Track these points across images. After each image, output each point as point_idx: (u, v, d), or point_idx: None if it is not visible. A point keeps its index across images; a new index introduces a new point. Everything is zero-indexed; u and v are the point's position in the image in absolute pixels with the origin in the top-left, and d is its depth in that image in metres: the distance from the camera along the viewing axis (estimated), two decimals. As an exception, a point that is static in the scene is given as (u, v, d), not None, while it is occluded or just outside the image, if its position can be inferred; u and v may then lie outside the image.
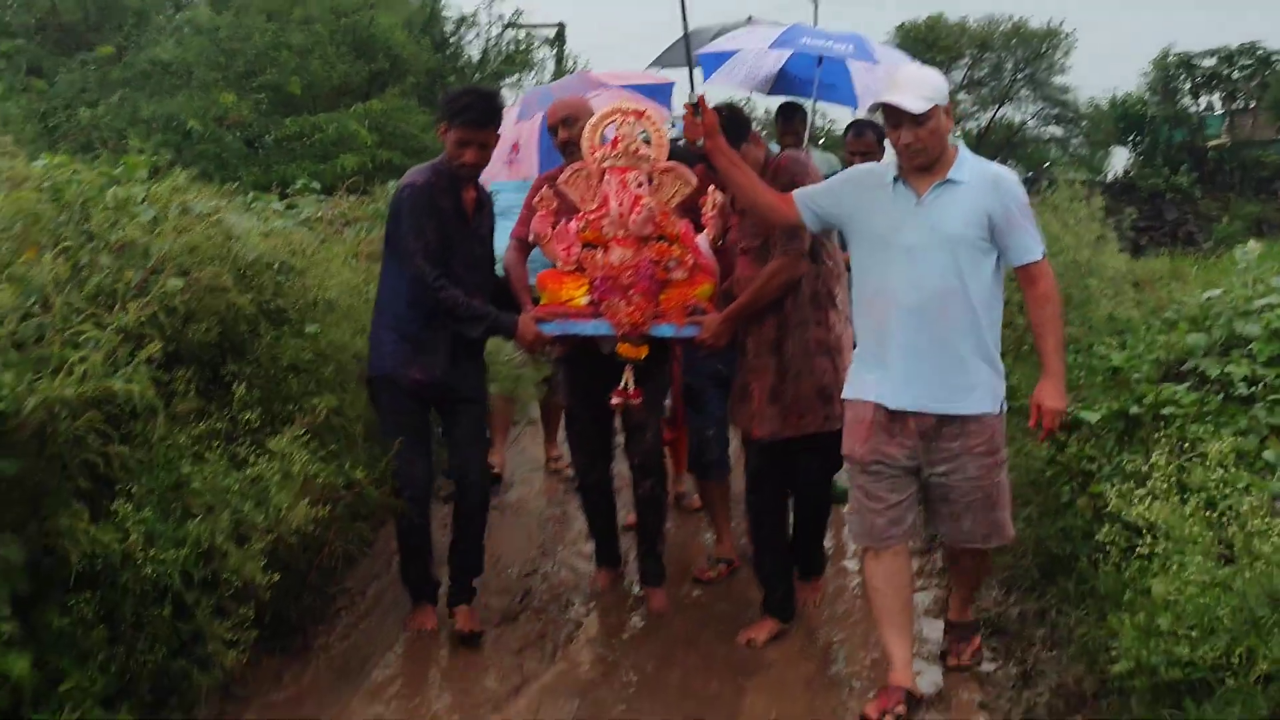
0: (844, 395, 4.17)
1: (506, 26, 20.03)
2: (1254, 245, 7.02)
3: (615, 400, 4.63)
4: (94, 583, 3.57)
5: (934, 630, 4.74)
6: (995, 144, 35.25)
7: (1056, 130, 37.85)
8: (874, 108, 4.15)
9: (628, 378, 4.60)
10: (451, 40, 18.42)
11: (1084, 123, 36.76)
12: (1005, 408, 4.04)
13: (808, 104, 7.63)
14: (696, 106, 4.16)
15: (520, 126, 6.70)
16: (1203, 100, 33.37)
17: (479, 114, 4.52)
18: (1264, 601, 3.14)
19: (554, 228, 4.73)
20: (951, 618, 4.44)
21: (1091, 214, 10.26)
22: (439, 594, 4.90)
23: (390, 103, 14.46)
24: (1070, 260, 8.63)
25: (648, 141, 4.72)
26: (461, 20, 18.36)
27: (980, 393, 3.93)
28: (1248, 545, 3.19)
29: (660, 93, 7.14)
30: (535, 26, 21.46)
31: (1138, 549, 3.66)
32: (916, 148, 3.86)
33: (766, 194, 4.23)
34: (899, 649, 4.04)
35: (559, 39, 22.77)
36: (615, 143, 4.64)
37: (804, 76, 7.60)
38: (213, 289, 4.24)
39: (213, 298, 4.27)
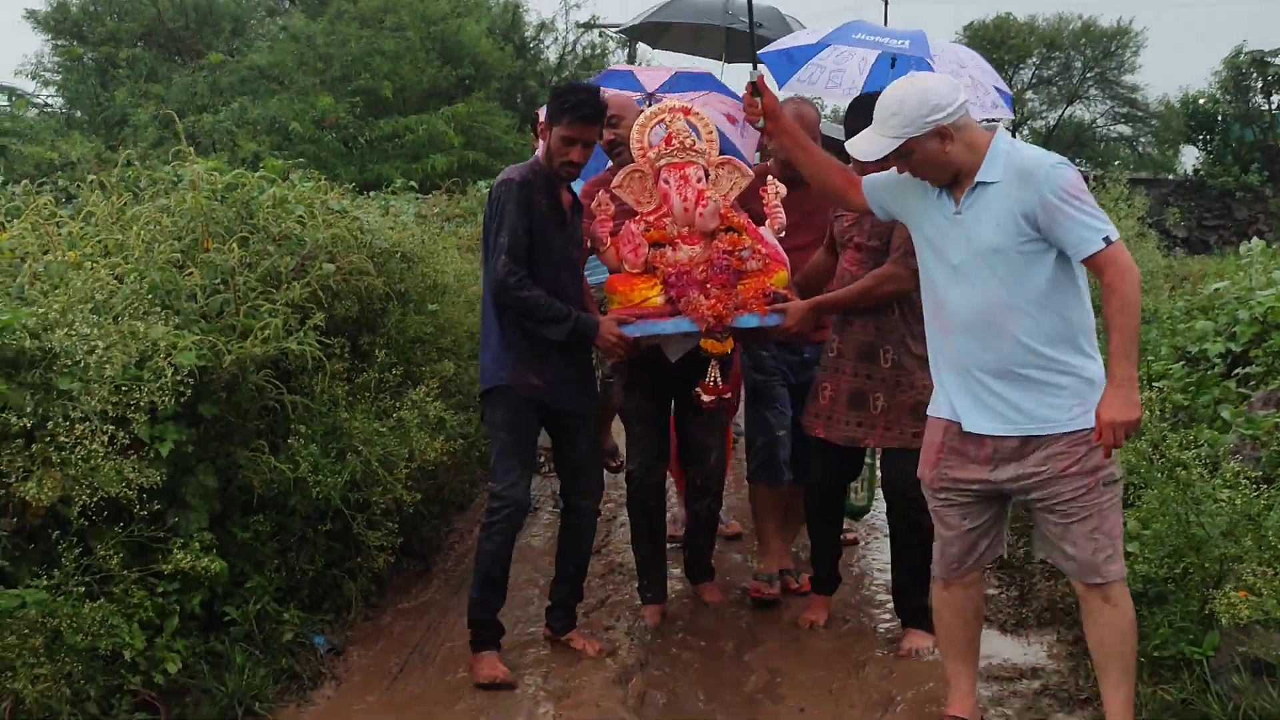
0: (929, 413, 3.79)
1: (582, 29, 20.93)
2: (1257, 242, 7.71)
3: (707, 397, 4.43)
4: (268, 505, 4.52)
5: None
6: (1064, 142, 35.40)
7: (1125, 129, 37.96)
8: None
9: (714, 374, 4.42)
10: (531, 45, 19.37)
11: (1153, 121, 36.83)
12: None
13: None
14: (756, 87, 4.05)
15: None
16: (1274, 99, 33.40)
17: (589, 111, 4.32)
18: (1198, 526, 3.94)
19: (612, 234, 4.58)
20: None
21: (1133, 212, 11.00)
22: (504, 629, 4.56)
23: (475, 106, 15.43)
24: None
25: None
26: (541, 26, 19.31)
27: (1063, 408, 3.42)
28: (1188, 483, 3.98)
29: (704, 82, 6.86)
30: (609, 28, 22.35)
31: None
32: (921, 176, 3.56)
33: (836, 176, 3.95)
34: (962, 680, 3.77)
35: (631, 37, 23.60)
36: (669, 140, 4.54)
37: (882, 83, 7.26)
38: (356, 272, 5.17)
39: (355, 280, 5.20)
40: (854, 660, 4.47)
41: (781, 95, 7.21)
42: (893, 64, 6.40)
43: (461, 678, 4.30)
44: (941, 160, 3.45)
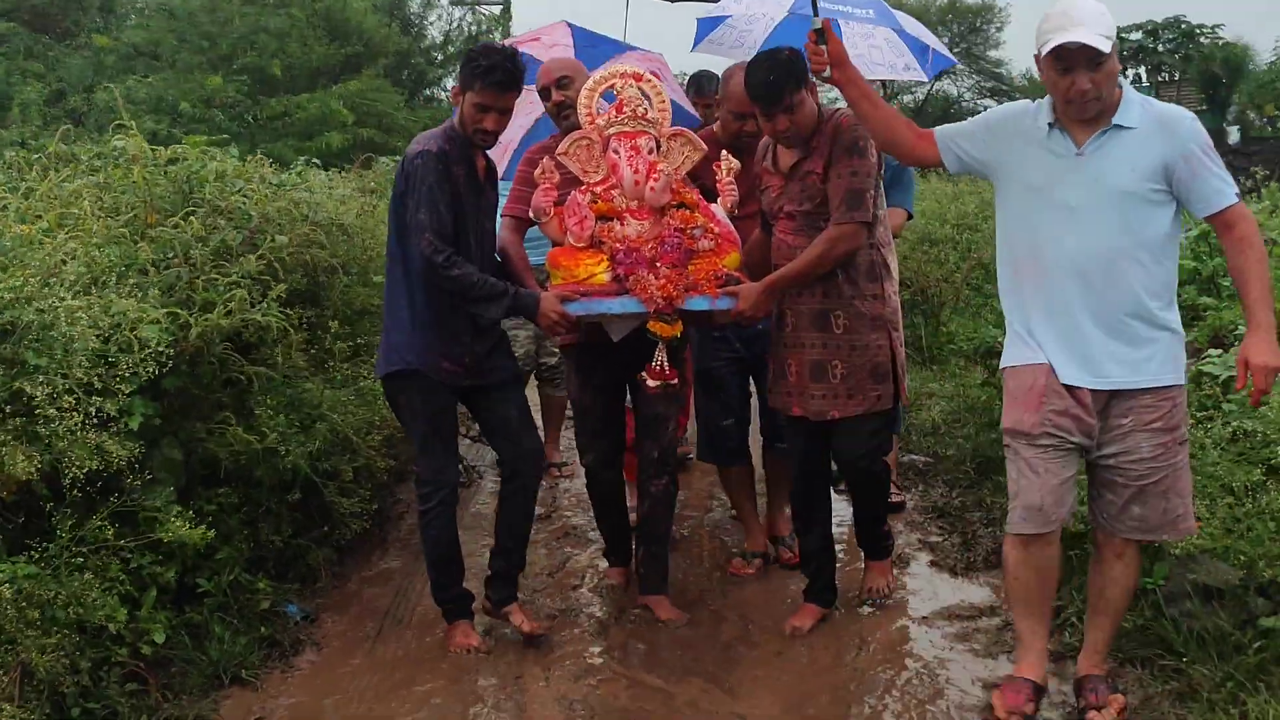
0: (1004, 363, 3.72)
1: (454, 3, 20.80)
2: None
3: (652, 382, 4.23)
4: (232, 478, 4.52)
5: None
6: (933, 116, 36.39)
7: (992, 102, 39.03)
8: (1048, 50, 3.35)
9: (661, 358, 4.21)
10: (415, 23, 19.23)
11: (1017, 95, 38.01)
12: (1185, 377, 3.57)
13: None
14: (820, 34, 3.78)
15: None
16: (1130, 73, 34.66)
17: (503, 76, 4.07)
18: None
19: (557, 204, 4.35)
20: (1087, 671, 3.69)
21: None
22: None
23: (366, 83, 15.28)
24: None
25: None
26: (426, 3, 19.18)
27: (1158, 361, 3.43)
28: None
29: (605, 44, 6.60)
30: (482, 3, 22.22)
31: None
32: (1094, 95, 3.32)
33: (904, 129, 3.78)
34: (1035, 640, 3.67)
35: (505, 16, 23.56)
36: (620, 107, 4.33)
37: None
38: (306, 244, 5.17)
39: (303, 252, 5.20)
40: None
41: (698, 56, 6.87)
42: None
43: (439, 637, 4.37)
44: (1115, 78, 3.36)
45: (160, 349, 3.87)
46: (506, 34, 23.43)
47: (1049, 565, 3.63)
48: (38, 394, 3.52)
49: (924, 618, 4.44)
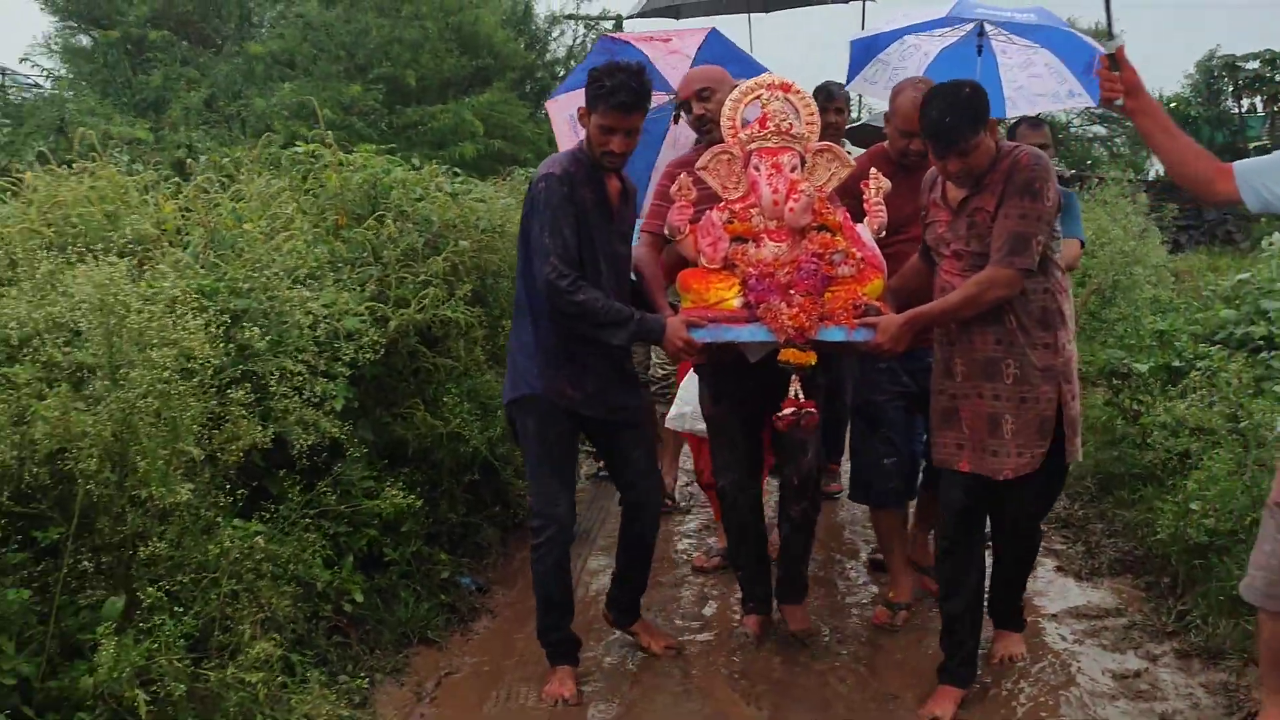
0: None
1: (566, 19, 21.24)
2: (1278, 237, 8.28)
3: (788, 412, 3.94)
4: (413, 460, 4.97)
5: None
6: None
7: (1100, 129, 38.68)
8: None
9: (796, 387, 3.95)
10: (542, 38, 19.78)
11: (1127, 122, 37.56)
12: None
13: None
14: (1114, 59, 3.45)
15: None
16: (1245, 102, 34.16)
17: (627, 97, 3.92)
18: (1267, 477, 4.46)
19: (693, 221, 4.19)
20: None
21: (1136, 209, 11.58)
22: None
23: (496, 95, 15.81)
24: (1118, 250, 9.94)
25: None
26: (552, 18, 19.72)
27: None
28: (1256, 434, 4.52)
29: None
30: (596, 20, 22.64)
31: (1174, 448, 5.02)
32: None
33: (1202, 163, 3.43)
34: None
35: (617, 29, 23.96)
36: (763, 121, 4.15)
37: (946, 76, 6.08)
38: (481, 249, 5.62)
39: (478, 256, 5.65)
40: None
41: (853, 90, 6.74)
42: (979, 52, 6.08)
43: (598, 613, 4.70)
44: None
45: (375, 338, 4.33)
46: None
47: None
48: (269, 374, 3.98)
49: (1053, 615, 4.75)
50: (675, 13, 11.62)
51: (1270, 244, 8.41)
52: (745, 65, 6.49)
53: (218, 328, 3.66)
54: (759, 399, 4.27)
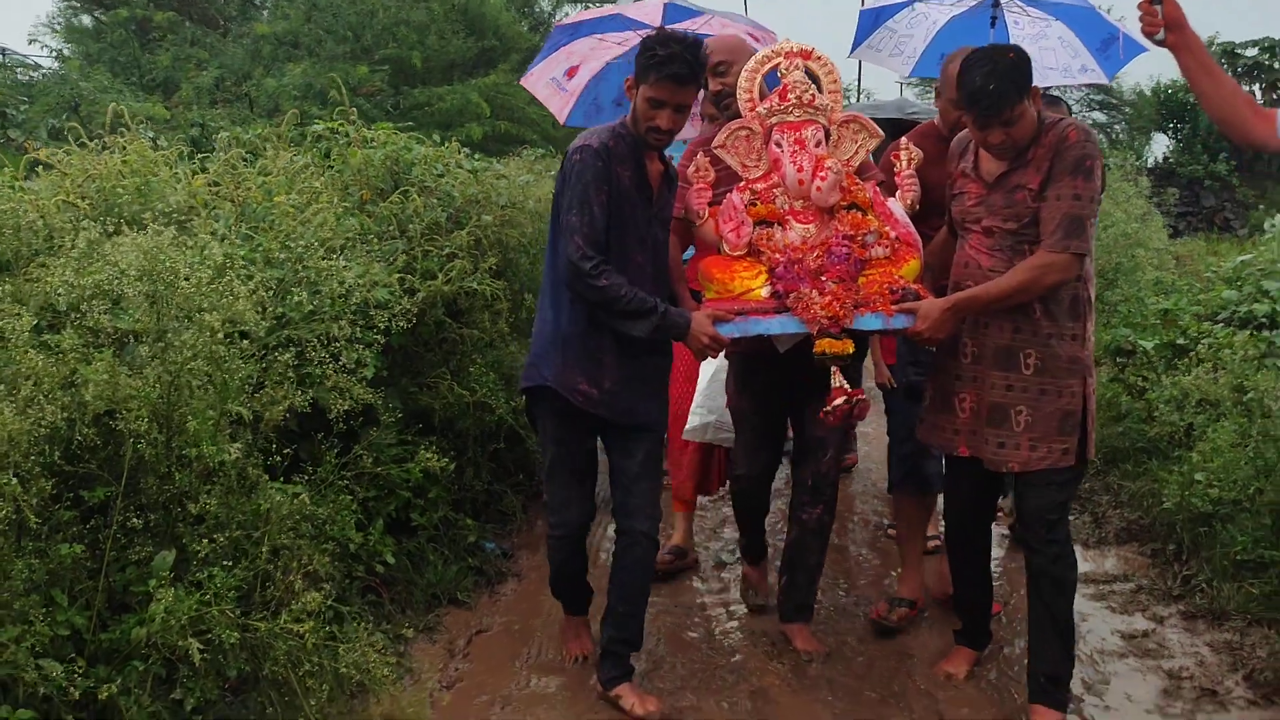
0: None
1: (571, 0, 21.32)
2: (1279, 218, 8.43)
3: (839, 402, 3.65)
4: (440, 428, 5.10)
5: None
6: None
7: (1100, 116, 38.80)
8: None
9: (839, 378, 3.68)
10: (547, 19, 19.90)
11: (1127, 109, 37.69)
12: None
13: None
14: None
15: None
16: (1245, 89, 34.24)
17: (682, 68, 3.58)
18: (1271, 448, 4.61)
19: (713, 204, 3.94)
20: None
21: (1139, 192, 11.71)
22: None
23: (502, 77, 15.93)
24: (1120, 232, 10.08)
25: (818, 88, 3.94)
26: (556, 2, 19.83)
27: None
28: (1261, 404, 4.67)
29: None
30: (600, 2, 22.73)
31: (1179, 422, 5.17)
32: None
33: (1244, 107, 3.21)
34: None
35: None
36: (784, 93, 3.87)
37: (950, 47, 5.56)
38: (503, 224, 5.74)
39: (500, 231, 5.77)
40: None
41: (854, 60, 6.70)
42: (992, 23, 5.90)
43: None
44: None
45: (407, 307, 4.45)
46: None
47: None
48: (310, 340, 4.11)
49: (1062, 581, 4.87)
50: None
51: (1272, 225, 8.56)
52: (690, 13, 6.54)
53: (265, 292, 3.78)
54: (787, 390, 4.13)
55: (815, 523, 4.24)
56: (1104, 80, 6.12)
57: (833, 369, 3.67)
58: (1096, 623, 4.46)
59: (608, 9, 7.15)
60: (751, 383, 4.23)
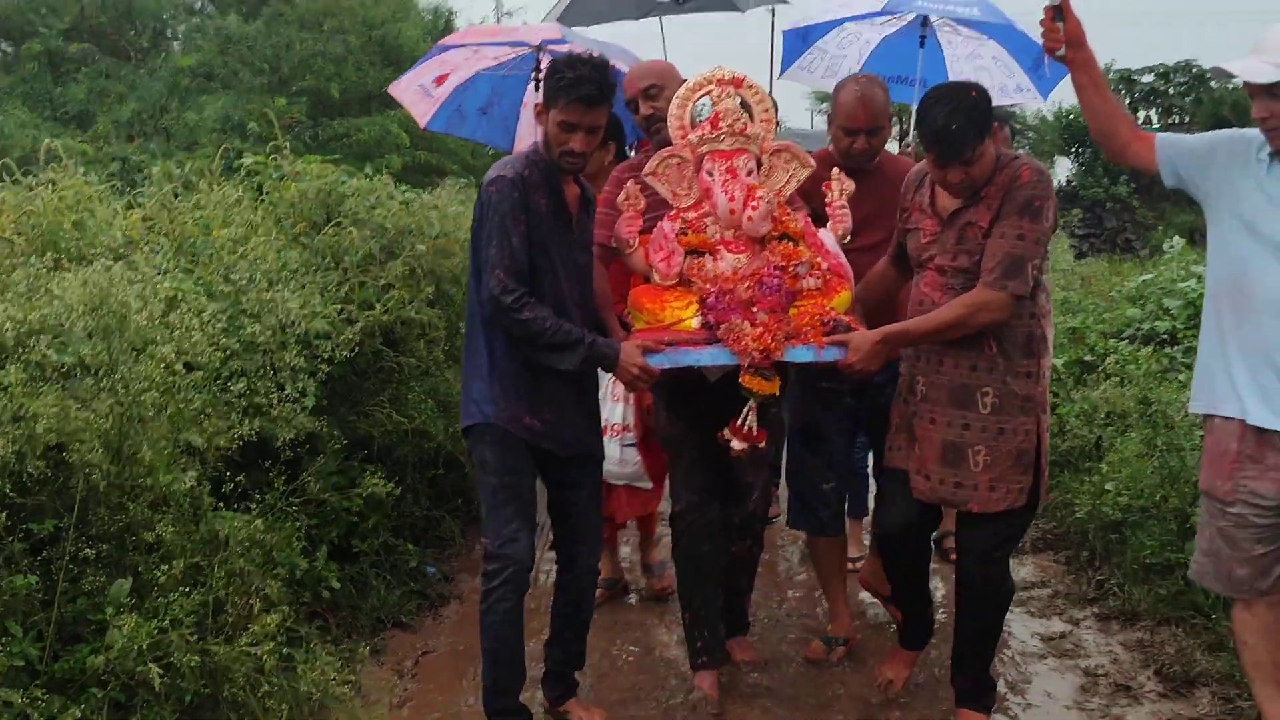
0: (1195, 407, 3.48)
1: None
2: (1179, 240, 8.83)
3: (737, 444, 3.68)
4: (379, 456, 5.20)
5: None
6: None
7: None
8: (1215, 74, 3.30)
9: (752, 418, 3.66)
10: (463, 51, 20.05)
11: (1030, 134, 38.62)
12: None
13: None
14: (1059, 10, 3.41)
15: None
16: (1141, 114, 35.23)
17: (591, 90, 3.55)
18: (1175, 457, 4.88)
19: (643, 232, 3.88)
20: None
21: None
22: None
23: (420, 108, 16.00)
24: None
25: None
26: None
27: None
28: (1165, 416, 4.94)
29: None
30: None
31: (1089, 435, 5.44)
32: (1272, 124, 3.17)
33: (1124, 127, 3.47)
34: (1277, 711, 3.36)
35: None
36: (715, 121, 3.83)
37: (895, 74, 5.95)
38: (438, 253, 5.87)
39: (435, 261, 5.89)
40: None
41: (787, 81, 6.51)
42: (922, 42, 5.92)
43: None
44: None
45: (349, 337, 4.56)
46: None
47: (1276, 626, 3.34)
48: (257, 370, 4.20)
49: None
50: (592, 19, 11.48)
51: (1171, 246, 8.97)
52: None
53: (215, 325, 3.87)
54: (719, 417, 3.84)
55: (745, 553, 4.31)
56: (1039, 99, 6.14)
57: (749, 405, 3.65)
58: (1017, 627, 4.69)
59: (493, 28, 7.23)
60: (682, 409, 4.10)
